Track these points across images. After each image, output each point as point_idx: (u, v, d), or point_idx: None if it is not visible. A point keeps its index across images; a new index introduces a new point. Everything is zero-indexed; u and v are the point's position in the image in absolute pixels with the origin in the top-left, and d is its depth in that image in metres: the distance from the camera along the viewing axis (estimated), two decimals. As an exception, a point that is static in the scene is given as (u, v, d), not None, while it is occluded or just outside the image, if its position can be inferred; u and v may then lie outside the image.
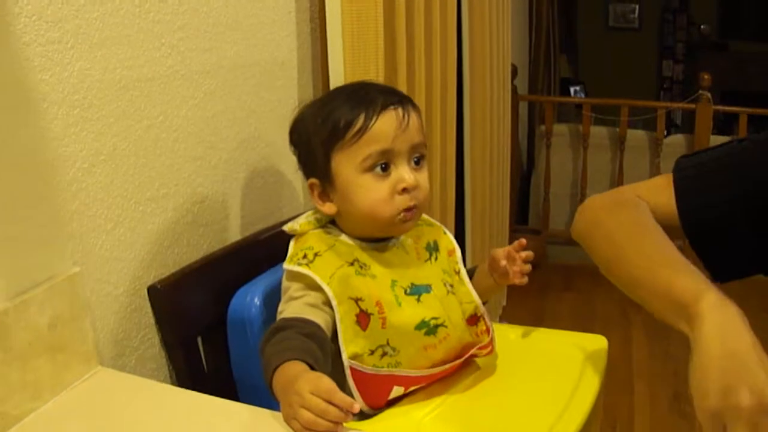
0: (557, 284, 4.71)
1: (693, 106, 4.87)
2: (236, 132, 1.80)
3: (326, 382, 1.12)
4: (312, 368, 1.20)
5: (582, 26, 8.30)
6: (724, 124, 6.10)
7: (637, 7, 8.56)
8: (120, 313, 1.50)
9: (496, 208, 4.05)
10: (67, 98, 1.33)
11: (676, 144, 5.04)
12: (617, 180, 5.07)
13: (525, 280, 1.50)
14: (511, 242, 1.54)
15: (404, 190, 1.40)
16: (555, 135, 5.22)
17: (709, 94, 4.79)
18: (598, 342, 1.61)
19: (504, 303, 4.24)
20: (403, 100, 1.44)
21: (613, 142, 5.14)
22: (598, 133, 5.17)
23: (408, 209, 1.42)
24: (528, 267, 1.50)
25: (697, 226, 1.37)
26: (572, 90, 7.60)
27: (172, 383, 1.61)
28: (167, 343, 1.58)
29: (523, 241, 1.50)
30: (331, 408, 1.10)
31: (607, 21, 8.64)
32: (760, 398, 0.96)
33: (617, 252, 1.34)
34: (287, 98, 1.99)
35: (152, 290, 1.54)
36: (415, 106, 1.46)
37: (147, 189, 1.54)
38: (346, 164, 1.40)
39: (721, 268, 1.39)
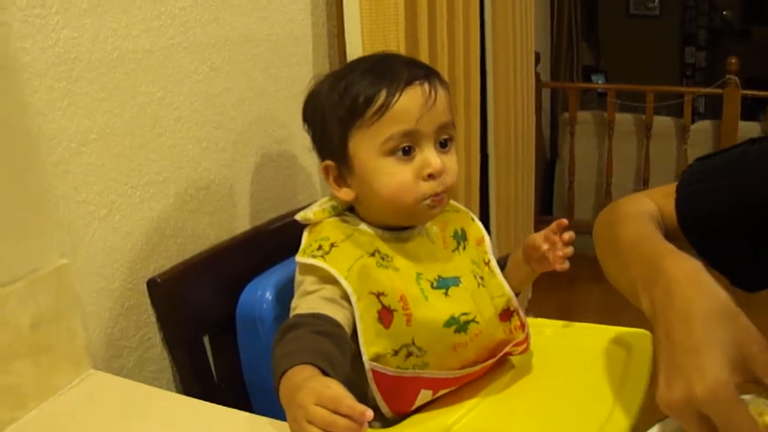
0: (584, 275, 4.38)
1: (720, 91, 4.75)
2: (245, 112, 1.67)
3: (332, 390, 0.97)
4: (324, 371, 1.06)
5: (602, 14, 8.19)
6: (751, 109, 5.95)
7: (657, -7, 8.44)
8: (115, 309, 1.37)
9: (521, 197, 3.96)
10: (51, 69, 1.21)
11: (703, 130, 4.91)
12: (644, 168, 4.95)
13: (567, 265, 1.38)
14: (537, 232, 1.43)
15: (430, 176, 1.28)
16: (579, 123, 5.10)
17: (736, 79, 4.67)
18: (641, 337, 1.49)
19: (530, 296, 4.14)
20: (429, 74, 1.31)
21: (639, 129, 5.02)
22: (623, 120, 5.04)
23: (435, 195, 1.29)
24: (570, 250, 1.37)
25: (696, 232, 1.30)
26: (594, 78, 7.50)
27: (176, 387, 1.50)
28: (170, 343, 1.47)
29: (564, 221, 1.37)
30: (340, 419, 0.94)
31: (627, 8, 8.53)
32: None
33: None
34: (301, 77, 1.85)
35: (152, 284, 1.42)
36: (442, 81, 1.33)
37: (145, 172, 1.41)
38: (366, 145, 1.28)
39: (736, 277, 1.29)
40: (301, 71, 1.86)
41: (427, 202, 1.28)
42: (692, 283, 0.98)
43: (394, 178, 1.26)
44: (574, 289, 4.53)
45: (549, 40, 6.11)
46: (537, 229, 1.44)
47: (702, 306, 0.94)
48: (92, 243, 1.31)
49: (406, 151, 1.26)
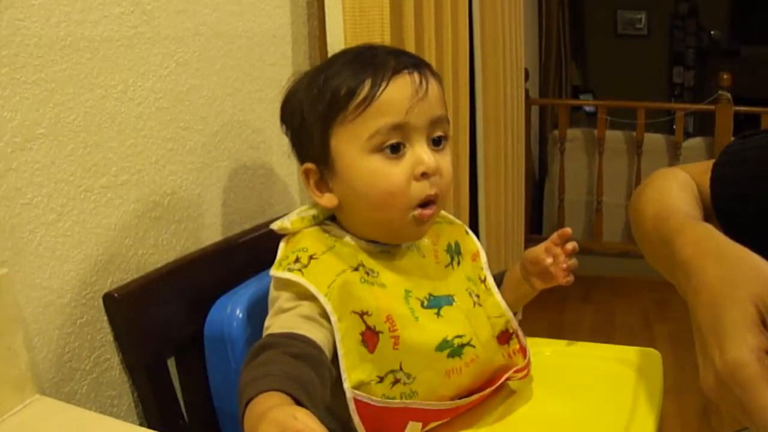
0: (575, 295, 4.51)
1: (713, 107, 4.67)
2: (217, 112, 1.53)
3: (299, 422, 0.81)
4: (296, 400, 0.91)
5: (590, 34, 8.22)
6: (741, 127, 5.89)
7: (645, 14, 8.42)
8: (66, 327, 1.22)
9: (511, 216, 3.88)
10: (-9, 53, 1.07)
11: (695, 147, 4.82)
12: (635, 186, 4.84)
13: (571, 278, 1.27)
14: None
15: (423, 175, 1.15)
16: (569, 140, 5.01)
17: (729, 95, 4.59)
18: (650, 357, 1.43)
19: (520, 317, 4.05)
20: (419, 64, 1.19)
21: (630, 146, 4.93)
22: (614, 137, 4.95)
23: (427, 202, 1.17)
24: (574, 262, 1.27)
25: (728, 216, 1.24)
26: (582, 98, 7.48)
27: (138, 415, 1.36)
28: (129, 366, 1.32)
29: (567, 230, 1.28)
30: None
31: (615, 28, 8.52)
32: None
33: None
34: (279, 78, 1.71)
35: (109, 299, 1.27)
36: (434, 73, 1.21)
37: (101, 174, 1.27)
38: (349, 142, 1.15)
39: None
40: (279, 72, 1.73)
41: (416, 213, 1.16)
42: (698, 255, 0.95)
43: (382, 178, 1.14)
44: (565, 309, 4.46)
45: (537, 59, 6.06)
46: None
47: (710, 275, 0.90)
48: (38, 251, 1.16)
49: (395, 148, 1.14)
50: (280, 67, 1.74)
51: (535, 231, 5.27)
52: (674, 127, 4.90)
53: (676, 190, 1.20)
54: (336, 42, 1.76)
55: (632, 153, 4.90)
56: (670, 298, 4.46)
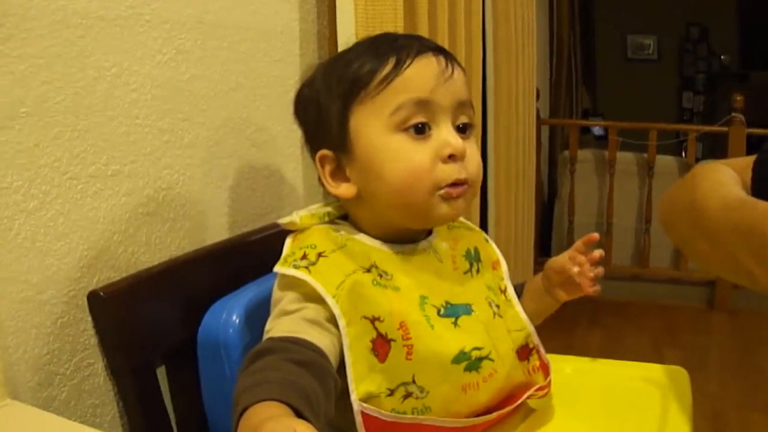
0: (584, 319, 4.46)
1: (725, 129, 4.64)
2: (219, 106, 1.44)
3: None
4: (297, 411, 0.82)
5: (600, 58, 8.26)
6: (754, 150, 5.84)
7: (654, 38, 8.46)
8: (46, 327, 1.13)
9: (521, 238, 3.83)
10: (-28, 22, 0.98)
11: (707, 170, 4.71)
12: (645, 208, 4.81)
13: (598, 288, 1.19)
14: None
15: (451, 157, 1.06)
16: (579, 161, 4.97)
17: (742, 116, 4.56)
18: (676, 375, 1.36)
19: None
20: (443, 50, 1.12)
21: (640, 168, 4.89)
22: (624, 159, 4.91)
23: (454, 185, 1.07)
24: (601, 270, 1.18)
25: None
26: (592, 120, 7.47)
27: (122, 426, 1.26)
28: (115, 373, 1.22)
29: (594, 235, 1.19)
30: None
31: (625, 53, 8.53)
32: None
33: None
34: (285, 76, 1.64)
35: (94, 298, 1.17)
36: (460, 65, 1.13)
37: (90, 162, 1.17)
38: (371, 120, 1.07)
39: None
40: (285, 69, 1.65)
41: (442, 192, 1.06)
42: None
43: (405, 159, 1.06)
44: (573, 332, 4.39)
45: (548, 84, 6.04)
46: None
47: None
48: (16, 241, 1.07)
49: (420, 129, 1.06)
50: (287, 65, 1.65)
51: (544, 254, 5.21)
52: (683, 150, 4.85)
53: (734, 183, 1.11)
54: (347, 42, 1.68)
55: (643, 175, 4.86)
56: (680, 323, 4.39)
